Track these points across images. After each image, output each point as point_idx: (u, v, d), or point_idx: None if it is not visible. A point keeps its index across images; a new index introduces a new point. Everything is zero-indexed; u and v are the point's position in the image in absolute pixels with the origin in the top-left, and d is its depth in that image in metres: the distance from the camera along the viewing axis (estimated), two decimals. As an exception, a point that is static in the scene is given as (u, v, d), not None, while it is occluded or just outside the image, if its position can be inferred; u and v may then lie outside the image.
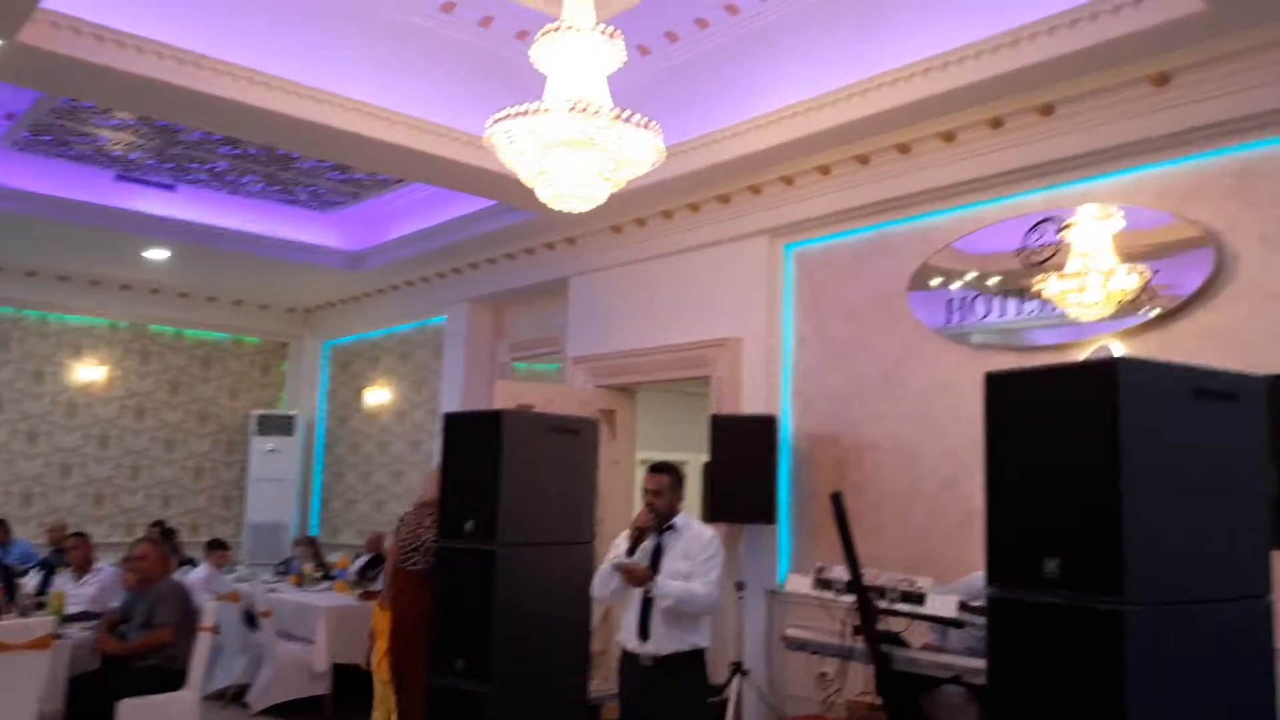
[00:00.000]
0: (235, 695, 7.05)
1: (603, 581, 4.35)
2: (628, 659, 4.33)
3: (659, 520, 4.32)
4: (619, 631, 4.48)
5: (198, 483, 11.32)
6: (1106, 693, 2.31)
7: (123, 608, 5.66)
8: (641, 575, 4.19)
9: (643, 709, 4.28)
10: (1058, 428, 2.56)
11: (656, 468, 4.48)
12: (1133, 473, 2.37)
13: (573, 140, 4.29)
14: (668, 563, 4.28)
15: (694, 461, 11.66)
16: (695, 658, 4.26)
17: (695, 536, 4.33)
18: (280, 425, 11.38)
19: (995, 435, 2.74)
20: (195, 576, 7.56)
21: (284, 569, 8.81)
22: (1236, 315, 4.60)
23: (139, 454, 10.98)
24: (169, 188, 8.71)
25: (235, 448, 11.54)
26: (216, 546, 8.20)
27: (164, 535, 8.43)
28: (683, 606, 4.18)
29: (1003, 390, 2.76)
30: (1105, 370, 2.46)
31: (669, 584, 4.18)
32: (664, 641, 4.20)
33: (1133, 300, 4.92)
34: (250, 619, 7.09)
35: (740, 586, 6.18)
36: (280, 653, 6.97)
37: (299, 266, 9.74)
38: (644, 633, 4.24)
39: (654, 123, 4.36)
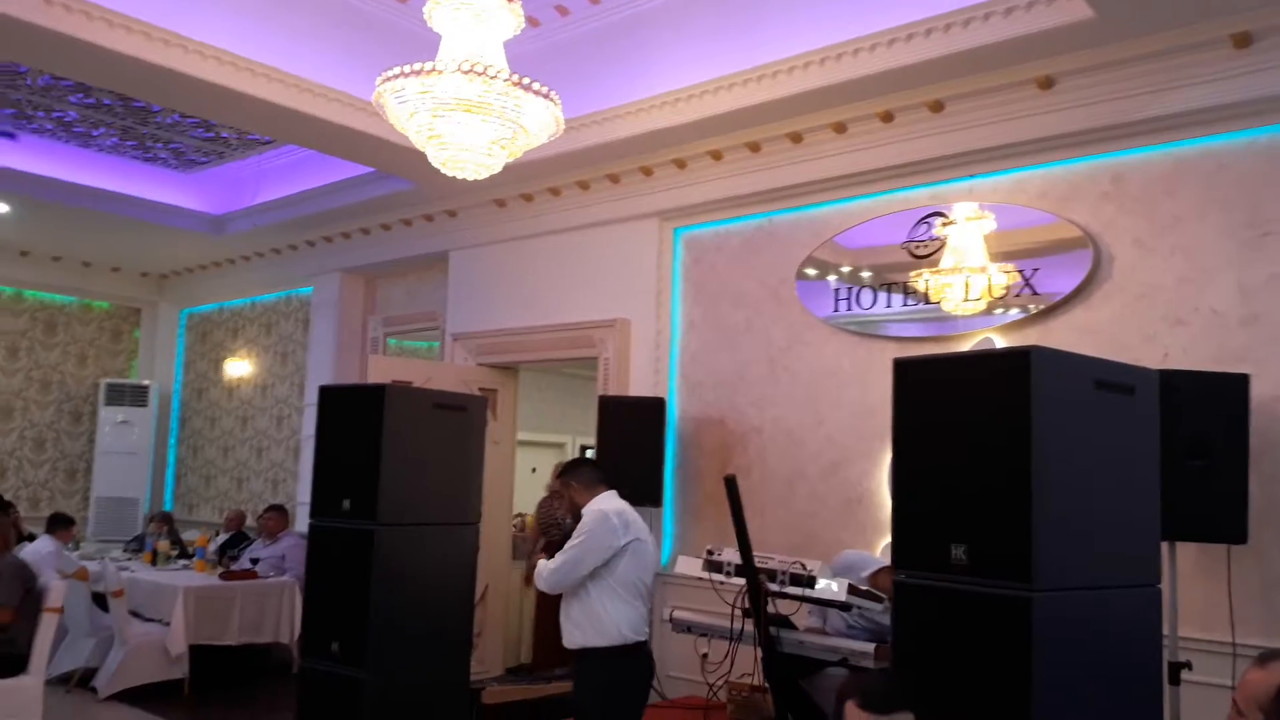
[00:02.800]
0: (82, 680, 6.62)
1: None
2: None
3: (575, 516, 4.39)
4: None
5: (39, 454, 10.57)
6: (1012, 676, 2.36)
7: (-44, 588, 5.21)
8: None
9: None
10: (967, 414, 2.58)
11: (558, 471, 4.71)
12: (1040, 460, 2.42)
13: (468, 103, 4.14)
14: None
15: (570, 444, 11.65)
16: (590, 654, 4.23)
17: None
18: (132, 395, 10.74)
19: (903, 421, 2.75)
20: (37, 551, 7.03)
21: (136, 546, 8.34)
22: (1109, 313, 4.81)
23: (-31, 422, 10.17)
24: (9, 136, 8.05)
25: (82, 418, 10.82)
26: (61, 522, 7.66)
27: (0, 509, 7.80)
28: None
29: (912, 376, 2.77)
30: (1018, 358, 2.50)
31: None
32: (566, 636, 4.25)
33: (1004, 298, 5.11)
34: (99, 599, 6.66)
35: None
36: (133, 634, 6.57)
37: (155, 228, 9.16)
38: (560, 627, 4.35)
39: (554, 93, 4.26)
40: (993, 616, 2.41)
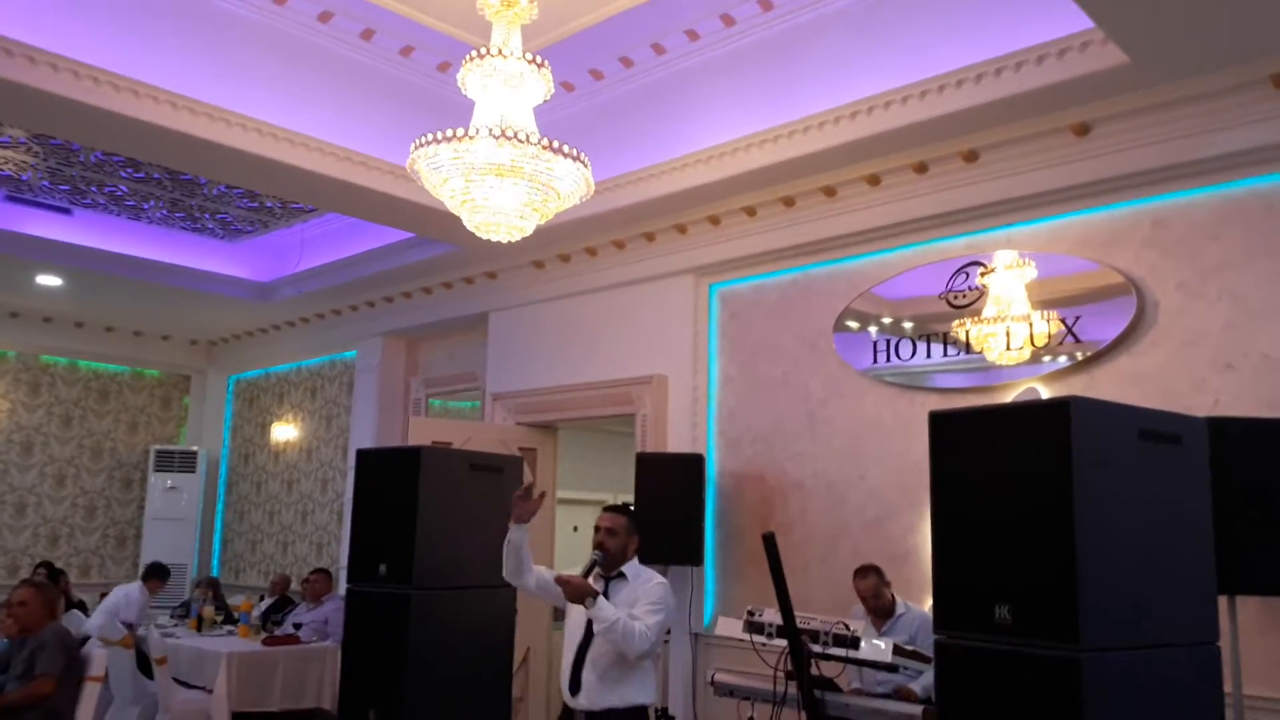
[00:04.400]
0: (126, 750, 6.62)
1: (507, 555, 3.99)
2: (565, 714, 4.01)
3: (609, 564, 3.96)
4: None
5: (90, 521, 10.72)
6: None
7: (1, 657, 5.23)
8: (582, 588, 3.75)
9: None
10: (1006, 468, 2.51)
11: (613, 507, 4.14)
12: (1084, 515, 2.33)
13: (500, 167, 4.20)
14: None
15: (612, 500, 11.59)
16: (636, 714, 3.86)
17: (645, 585, 3.94)
18: (181, 461, 10.88)
19: (941, 476, 2.68)
20: (128, 595, 7.23)
21: (183, 612, 8.35)
22: (1156, 360, 4.69)
23: (25, 490, 10.35)
24: (64, 211, 8.29)
25: (132, 485, 10.97)
26: (157, 572, 7.84)
27: (51, 577, 7.92)
28: (614, 637, 3.75)
29: (948, 430, 2.70)
30: (1057, 410, 2.42)
31: (609, 606, 3.76)
32: (595, 695, 3.83)
33: (1047, 346, 5.02)
34: (144, 666, 6.67)
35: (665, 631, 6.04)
36: (176, 702, 6.56)
37: (203, 297, 9.36)
38: (575, 684, 3.87)
39: (583, 154, 4.30)
40: (1040, 678, 2.31)
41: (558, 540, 7.75)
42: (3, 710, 4.96)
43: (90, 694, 5.11)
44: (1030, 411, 2.68)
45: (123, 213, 8.44)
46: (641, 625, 3.79)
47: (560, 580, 3.84)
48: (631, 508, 4.18)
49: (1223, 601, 2.88)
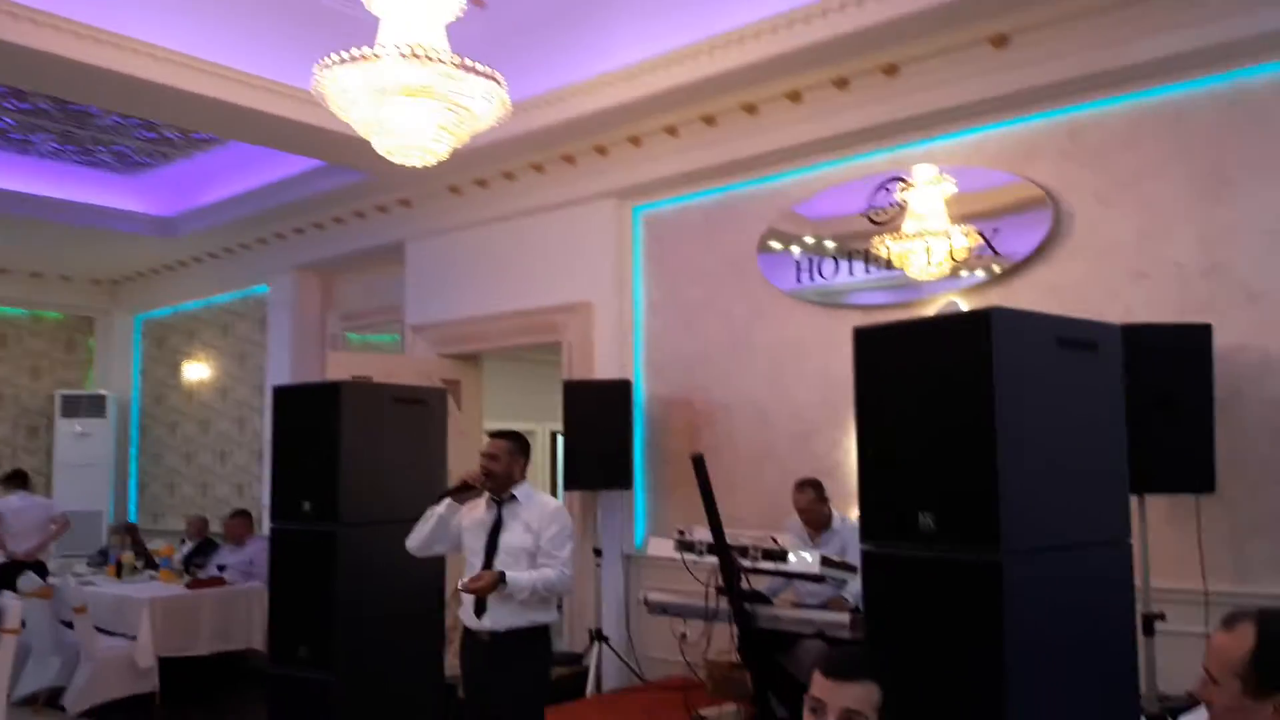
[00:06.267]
0: (50, 699, 6.45)
1: (431, 526, 4.00)
2: (467, 636, 3.99)
3: (498, 486, 3.94)
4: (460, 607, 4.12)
5: (-8, 470, 10.32)
6: (985, 640, 2.31)
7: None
8: (490, 584, 3.76)
9: (483, 687, 3.93)
10: (929, 380, 2.53)
11: (497, 433, 4.09)
12: (1005, 423, 2.36)
13: (410, 88, 4.01)
14: (507, 538, 3.90)
15: (540, 431, 11.54)
16: (538, 633, 3.93)
17: (539, 508, 3.96)
18: (90, 406, 10.49)
19: (864, 390, 2.69)
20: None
21: (100, 560, 8.13)
22: (1073, 271, 4.77)
23: (-79, 439, 9.91)
24: (-55, 148, 7.80)
25: (38, 432, 10.57)
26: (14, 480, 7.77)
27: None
28: (542, 596, 3.87)
29: (871, 345, 2.71)
30: (977, 320, 2.44)
31: (520, 578, 3.79)
32: (501, 617, 3.85)
33: (966, 260, 5.07)
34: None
35: (598, 553, 6.08)
36: (99, 650, 6.40)
37: (103, 234, 8.92)
38: (480, 608, 3.88)
39: (498, 73, 4.14)
40: (963, 583, 2.36)
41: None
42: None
43: (6, 646, 4.96)
44: (951, 323, 2.70)
45: (9, 147, 7.95)
46: (557, 570, 3.85)
47: (468, 590, 3.82)
48: (513, 431, 4.13)
49: (1134, 501, 2.96)
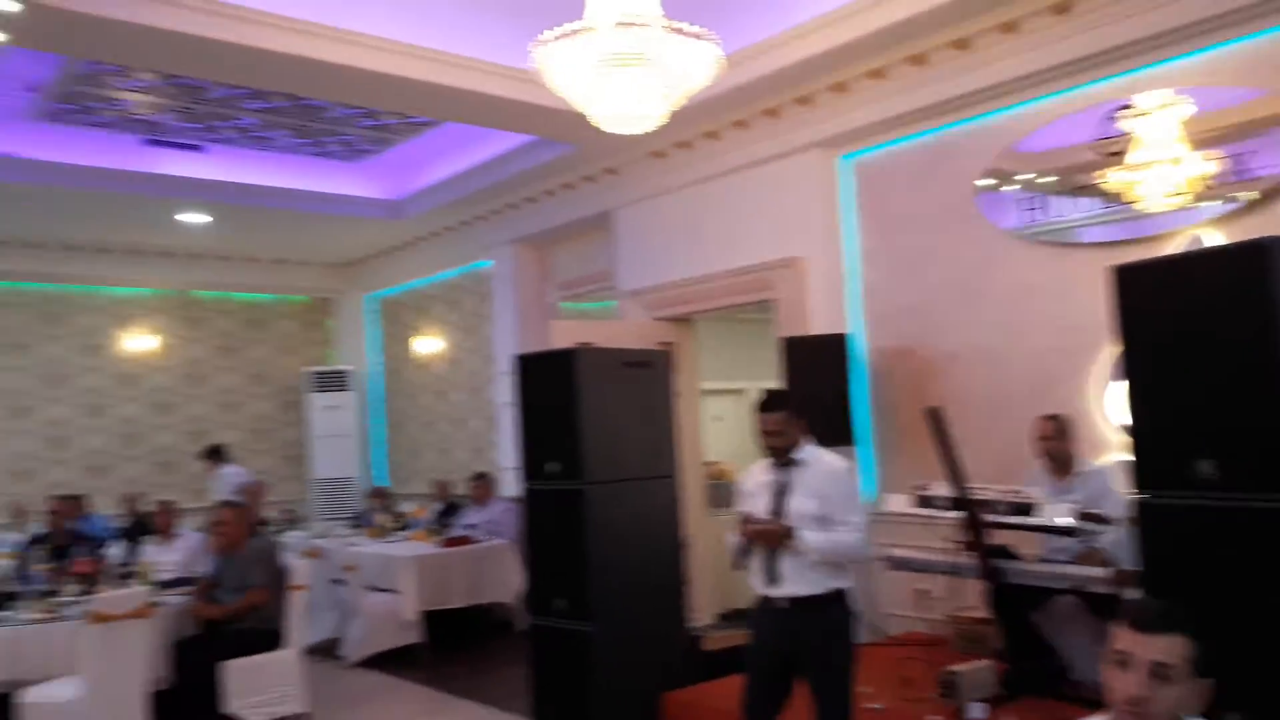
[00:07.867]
0: (327, 650, 7.15)
1: (739, 552, 3.72)
2: (763, 602, 3.74)
3: (781, 453, 3.70)
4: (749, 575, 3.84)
5: (261, 443, 11.39)
6: (1273, 592, 2.21)
7: (214, 572, 5.70)
8: (777, 535, 3.57)
9: (782, 656, 3.66)
10: (1200, 320, 2.42)
11: (766, 404, 3.74)
12: (1293, 361, 2.24)
13: (624, 56, 4.09)
14: (795, 503, 3.63)
15: (750, 390, 11.60)
16: (839, 597, 3.66)
17: (827, 471, 3.69)
18: (335, 381, 11.41)
19: (1129, 332, 2.60)
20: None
21: (357, 522, 8.87)
22: (1341, 190, 4.37)
23: (201, 419, 11.06)
24: (196, 149, 8.58)
25: (292, 406, 11.59)
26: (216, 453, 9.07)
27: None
28: (835, 561, 3.61)
29: (1133, 284, 2.61)
30: (1253, 252, 2.31)
31: (810, 537, 3.56)
32: (799, 584, 3.61)
33: (1211, 189, 4.71)
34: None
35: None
36: (367, 605, 7.03)
37: (337, 219, 9.63)
38: (772, 576, 3.66)
39: (709, 31, 4.15)
40: (1254, 532, 2.26)
41: (701, 432, 7.85)
42: (224, 619, 5.44)
43: (296, 600, 5.53)
44: (1222, 257, 2.56)
45: (252, 144, 8.67)
46: (848, 534, 3.60)
47: (752, 534, 3.64)
48: (780, 391, 3.92)
49: None
